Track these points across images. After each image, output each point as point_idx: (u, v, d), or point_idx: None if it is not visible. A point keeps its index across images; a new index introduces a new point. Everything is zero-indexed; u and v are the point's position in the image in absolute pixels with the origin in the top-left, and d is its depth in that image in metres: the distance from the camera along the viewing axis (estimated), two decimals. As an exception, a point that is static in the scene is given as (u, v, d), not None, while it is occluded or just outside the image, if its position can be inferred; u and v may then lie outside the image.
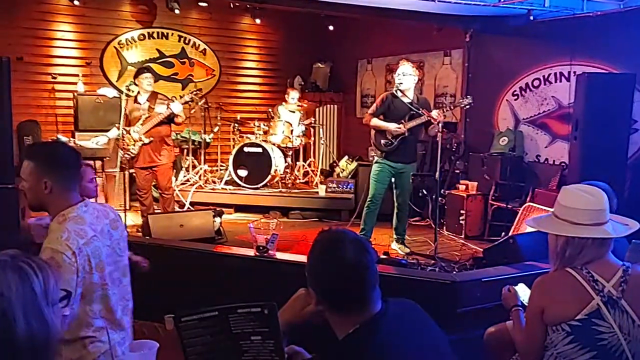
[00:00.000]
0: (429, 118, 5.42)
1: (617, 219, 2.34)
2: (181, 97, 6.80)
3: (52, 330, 1.29)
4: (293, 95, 8.46)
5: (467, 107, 5.66)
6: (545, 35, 6.78)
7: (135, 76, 6.37)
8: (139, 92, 6.32)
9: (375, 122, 5.64)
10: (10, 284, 1.24)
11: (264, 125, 8.13)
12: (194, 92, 6.72)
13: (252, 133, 8.23)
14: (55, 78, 8.20)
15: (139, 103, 6.25)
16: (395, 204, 5.86)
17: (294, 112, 8.33)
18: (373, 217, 5.75)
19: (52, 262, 2.11)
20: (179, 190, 7.51)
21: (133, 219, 6.72)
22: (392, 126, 5.55)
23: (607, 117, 5.50)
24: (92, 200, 2.69)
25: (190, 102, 6.81)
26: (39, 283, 1.28)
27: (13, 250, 1.45)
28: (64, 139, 6.82)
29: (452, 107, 5.94)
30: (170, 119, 6.26)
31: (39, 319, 1.26)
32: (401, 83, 5.53)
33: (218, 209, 6.41)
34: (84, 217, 2.27)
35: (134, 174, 6.59)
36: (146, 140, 6.14)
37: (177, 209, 6.88)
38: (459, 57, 8.14)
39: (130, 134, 6.15)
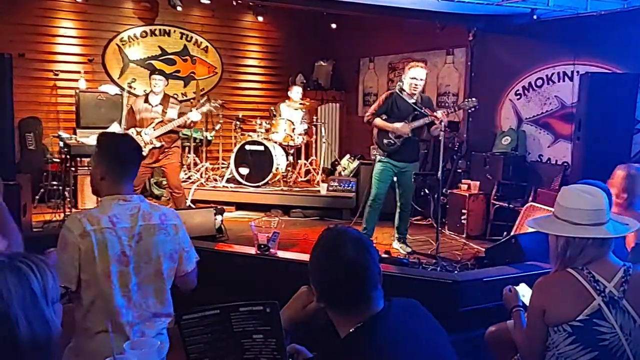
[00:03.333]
0: (433, 119, 5.40)
1: (617, 218, 2.34)
2: (188, 100, 6.72)
3: (53, 330, 1.29)
4: (297, 90, 8.47)
5: (472, 109, 5.60)
6: (549, 34, 6.77)
7: (150, 75, 6.38)
8: (150, 92, 6.29)
9: (379, 122, 5.61)
10: (10, 286, 1.24)
11: (266, 123, 8.14)
12: (214, 105, 6.74)
13: (254, 131, 8.24)
14: (57, 75, 8.21)
15: (151, 104, 6.20)
16: (398, 203, 5.85)
17: (297, 109, 8.33)
18: (375, 216, 5.74)
19: (61, 239, 2.27)
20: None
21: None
22: (398, 125, 5.53)
23: (610, 117, 5.50)
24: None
25: (208, 112, 6.82)
26: (37, 283, 1.28)
27: (10, 251, 1.44)
28: (65, 135, 6.81)
29: (456, 109, 5.90)
30: (184, 126, 6.29)
31: (40, 319, 1.26)
32: (416, 86, 5.49)
33: (219, 206, 6.41)
34: (112, 207, 2.34)
35: None
36: (157, 145, 6.13)
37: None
38: (461, 56, 8.14)
39: (141, 136, 6.11)
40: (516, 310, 2.59)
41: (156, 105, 6.20)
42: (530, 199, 6.24)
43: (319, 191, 7.79)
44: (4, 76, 5.16)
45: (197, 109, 6.33)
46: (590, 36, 6.35)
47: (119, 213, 2.33)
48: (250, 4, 8.78)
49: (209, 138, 8.50)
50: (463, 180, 7.06)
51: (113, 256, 2.28)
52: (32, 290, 1.26)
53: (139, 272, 2.35)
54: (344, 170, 8.16)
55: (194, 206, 7.08)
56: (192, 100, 8.47)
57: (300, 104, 8.41)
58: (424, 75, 5.52)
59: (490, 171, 6.80)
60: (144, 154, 6.16)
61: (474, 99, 5.55)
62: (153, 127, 6.12)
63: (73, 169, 6.80)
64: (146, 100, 6.26)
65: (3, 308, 1.21)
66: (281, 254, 4.25)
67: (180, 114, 6.21)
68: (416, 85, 5.47)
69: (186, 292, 2.57)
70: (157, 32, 9.05)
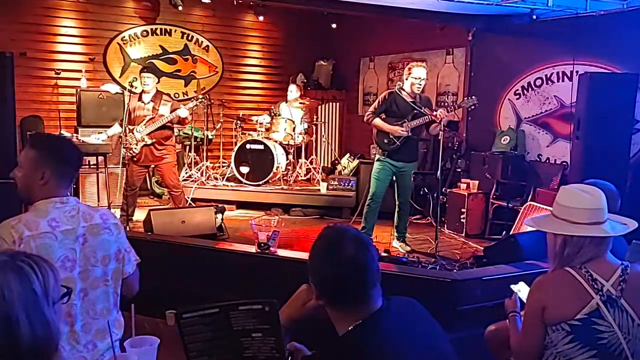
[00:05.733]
0: (432, 118, 5.41)
1: (616, 218, 2.34)
2: (188, 99, 6.63)
3: (53, 330, 1.29)
4: (291, 89, 8.49)
5: (472, 108, 5.61)
6: (548, 34, 6.78)
7: (140, 73, 6.36)
8: (143, 91, 6.28)
9: (378, 122, 5.61)
10: (11, 286, 1.23)
11: (267, 122, 8.15)
12: (200, 100, 6.72)
13: (255, 130, 8.25)
14: (58, 73, 8.23)
15: (143, 102, 6.21)
16: (397, 202, 5.86)
17: (296, 108, 8.34)
18: (374, 215, 5.75)
19: None
20: (180, 187, 7.53)
21: (136, 214, 6.72)
22: (395, 128, 5.54)
23: (609, 117, 5.49)
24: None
25: (195, 107, 6.79)
26: (39, 283, 1.27)
27: (11, 249, 1.43)
28: (67, 134, 6.82)
29: (456, 108, 5.91)
30: (175, 122, 6.26)
31: (41, 320, 1.26)
32: (419, 86, 5.50)
33: (220, 205, 6.43)
34: (50, 211, 2.19)
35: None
36: (149, 142, 6.13)
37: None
38: (461, 55, 8.15)
39: (133, 134, 6.13)
40: (512, 315, 2.59)
41: (148, 103, 6.19)
42: (530, 198, 6.25)
43: (319, 190, 7.80)
44: (5, 75, 5.17)
45: (185, 106, 6.33)
46: (589, 36, 6.35)
47: (58, 216, 2.19)
48: (251, 3, 8.80)
49: (210, 137, 8.51)
50: (462, 180, 7.06)
51: (56, 262, 2.12)
52: (34, 291, 1.26)
53: (85, 277, 2.23)
54: (344, 169, 8.17)
55: (194, 205, 7.09)
56: (192, 99, 8.49)
57: (300, 103, 8.42)
58: (425, 74, 5.55)
59: (489, 170, 6.81)
60: (136, 150, 6.16)
61: (473, 97, 5.55)
62: (144, 124, 6.12)
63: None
64: (140, 99, 6.26)
65: (4, 308, 1.21)
66: (281, 252, 4.24)
67: (173, 111, 6.20)
68: (419, 85, 5.50)
69: (129, 297, 2.44)
70: (158, 32, 9.06)
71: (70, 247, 2.19)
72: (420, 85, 5.51)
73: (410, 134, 5.53)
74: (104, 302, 2.30)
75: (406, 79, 5.55)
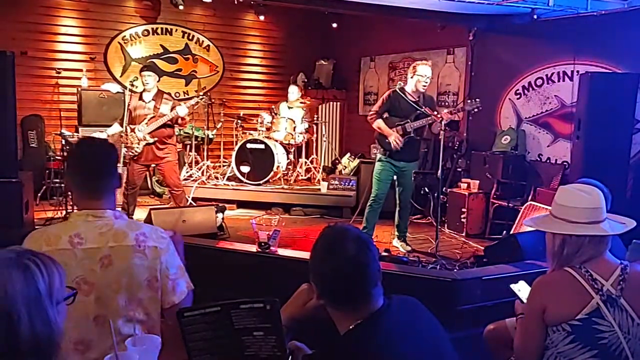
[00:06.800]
0: (434, 119, 5.41)
1: (615, 217, 2.34)
2: (189, 98, 6.68)
3: (55, 330, 1.28)
4: (292, 90, 8.49)
5: (475, 110, 5.59)
6: (549, 34, 6.77)
7: (140, 72, 6.36)
8: (144, 90, 6.27)
9: (379, 124, 5.58)
10: (15, 283, 1.23)
11: (267, 121, 8.16)
12: (201, 97, 6.71)
13: (255, 129, 8.25)
14: (59, 73, 8.22)
15: (144, 101, 6.19)
16: (397, 202, 5.86)
17: (292, 107, 8.35)
18: (375, 215, 5.75)
19: None
20: (181, 186, 7.53)
21: (137, 213, 6.73)
22: (390, 132, 5.50)
23: (610, 117, 5.49)
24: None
25: (195, 105, 6.78)
26: (43, 282, 1.27)
27: (20, 247, 1.43)
28: (67, 133, 6.83)
29: (459, 110, 5.90)
30: (175, 121, 6.24)
31: (43, 319, 1.25)
32: (425, 86, 5.52)
33: (220, 204, 6.43)
34: (78, 225, 2.00)
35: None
36: (150, 140, 6.11)
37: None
38: (462, 55, 8.14)
39: (134, 133, 6.11)
40: (521, 317, 2.60)
41: (149, 102, 6.18)
42: (530, 198, 6.24)
43: (319, 189, 7.81)
44: (6, 74, 5.17)
45: (185, 104, 6.30)
46: (590, 36, 6.35)
47: (85, 232, 1.97)
48: (252, 2, 8.80)
49: (211, 136, 8.51)
50: (463, 179, 7.06)
51: (70, 283, 1.87)
52: (38, 290, 1.25)
53: (103, 304, 1.98)
54: (344, 169, 8.18)
55: (195, 204, 7.09)
56: (193, 98, 8.50)
57: (301, 102, 8.42)
58: (430, 72, 5.56)
59: (489, 170, 6.81)
60: (138, 150, 6.13)
61: (477, 99, 5.51)
62: (146, 123, 6.10)
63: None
64: (140, 98, 6.25)
65: (6, 305, 1.21)
66: (282, 251, 4.24)
67: (173, 109, 6.16)
68: (425, 83, 5.50)
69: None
70: (159, 31, 9.07)
71: (89, 268, 1.96)
72: (426, 83, 5.51)
73: (413, 134, 5.53)
74: (128, 334, 1.98)
75: (411, 78, 5.54)
